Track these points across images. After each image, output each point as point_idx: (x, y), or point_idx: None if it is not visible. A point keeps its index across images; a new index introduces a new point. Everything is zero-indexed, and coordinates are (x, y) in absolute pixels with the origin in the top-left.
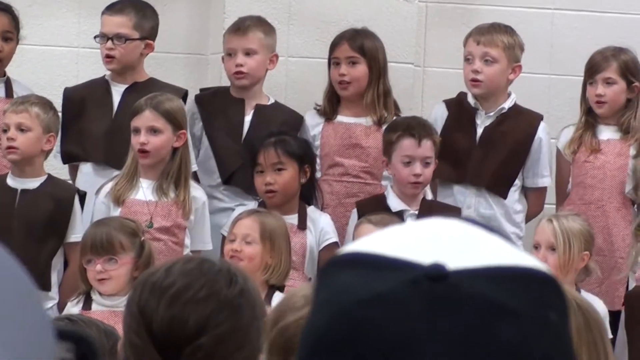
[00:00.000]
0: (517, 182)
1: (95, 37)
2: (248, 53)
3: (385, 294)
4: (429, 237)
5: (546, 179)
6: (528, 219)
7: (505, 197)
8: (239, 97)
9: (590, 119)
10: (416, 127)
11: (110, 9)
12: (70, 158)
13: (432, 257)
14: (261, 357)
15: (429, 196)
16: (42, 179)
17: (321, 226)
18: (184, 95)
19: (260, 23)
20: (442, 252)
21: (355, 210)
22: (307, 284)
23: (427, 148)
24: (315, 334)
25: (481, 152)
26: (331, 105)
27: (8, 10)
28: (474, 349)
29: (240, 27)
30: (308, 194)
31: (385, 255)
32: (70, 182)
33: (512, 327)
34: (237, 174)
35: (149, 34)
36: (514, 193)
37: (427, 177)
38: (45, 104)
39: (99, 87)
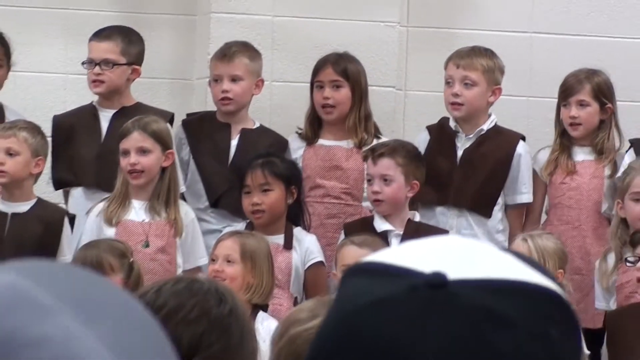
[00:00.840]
0: (500, 200)
1: (83, 63)
2: (234, 79)
3: (385, 299)
4: (437, 249)
5: (525, 196)
6: (511, 237)
7: (489, 217)
8: (225, 121)
9: (565, 140)
10: (377, 148)
11: (97, 35)
12: (62, 184)
13: (435, 267)
14: None
15: (417, 218)
16: (32, 202)
17: (306, 246)
18: (170, 119)
19: (246, 49)
20: (446, 263)
21: (342, 232)
22: (315, 299)
23: (383, 166)
24: (318, 338)
25: (462, 173)
26: (313, 128)
27: None
28: (464, 355)
29: (227, 53)
30: (295, 214)
31: (392, 264)
32: (60, 205)
33: (506, 337)
34: (225, 197)
35: (136, 60)
36: (497, 212)
37: (387, 194)
38: (33, 129)
39: (87, 113)
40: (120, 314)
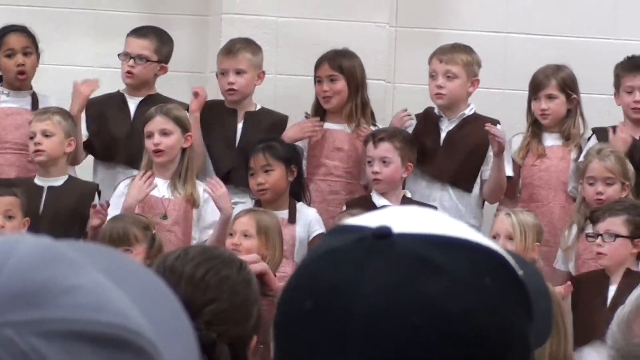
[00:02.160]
0: (478, 180)
1: (118, 55)
2: (238, 72)
3: (335, 248)
4: (393, 212)
5: (507, 169)
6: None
7: (470, 191)
8: (232, 107)
9: (535, 128)
10: (378, 133)
11: (135, 32)
12: (98, 157)
13: (383, 223)
14: (255, 340)
15: (409, 195)
16: (65, 177)
17: (309, 219)
18: (186, 109)
19: (249, 44)
20: (396, 220)
21: (344, 207)
22: None
23: (383, 149)
24: (286, 282)
25: (445, 152)
26: (318, 114)
27: (24, 30)
28: (394, 295)
29: (231, 49)
30: (297, 191)
31: (352, 224)
32: (87, 181)
33: (436, 281)
34: (233, 174)
35: (165, 58)
36: (477, 188)
37: (386, 174)
38: (65, 113)
39: (117, 99)
40: (141, 282)
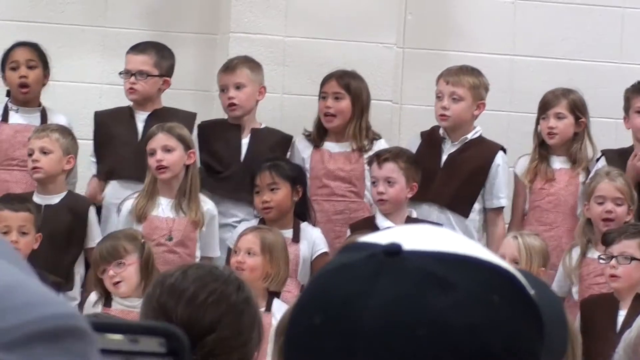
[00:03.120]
0: (478, 205)
1: (120, 73)
2: (238, 87)
3: (346, 264)
4: (403, 230)
5: (502, 200)
6: (494, 240)
7: (466, 216)
8: (236, 123)
9: (542, 150)
10: (382, 153)
11: (134, 49)
12: (108, 176)
13: (394, 240)
14: (256, 357)
15: (414, 215)
16: (63, 194)
17: (313, 239)
18: (194, 117)
19: (247, 60)
20: (406, 238)
21: (349, 231)
22: None
23: (387, 170)
24: (297, 298)
25: (444, 175)
26: (319, 133)
27: (30, 44)
28: (402, 309)
29: (229, 65)
30: (302, 211)
31: (363, 242)
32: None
33: (444, 296)
34: (237, 190)
35: (167, 72)
36: (475, 214)
37: (391, 195)
38: (64, 130)
39: (125, 113)
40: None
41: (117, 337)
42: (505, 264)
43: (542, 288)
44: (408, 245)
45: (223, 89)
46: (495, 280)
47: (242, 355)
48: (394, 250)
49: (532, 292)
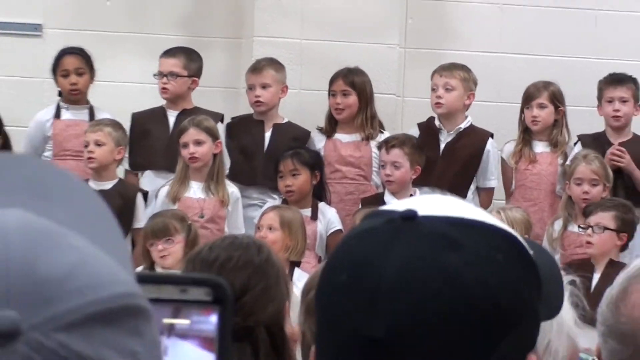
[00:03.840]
0: (472, 186)
1: (154, 75)
2: (264, 86)
3: (366, 229)
4: (418, 199)
5: (493, 181)
6: None
7: (465, 197)
8: (260, 119)
9: (526, 136)
10: (390, 140)
11: (166, 53)
12: (137, 167)
13: (410, 207)
14: (288, 306)
15: (417, 194)
16: (114, 181)
17: (329, 217)
18: (221, 118)
19: (272, 62)
20: (421, 205)
21: (360, 205)
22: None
23: (394, 155)
24: (325, 262)
25: (443, 162)
26: (330, 125)
27: (78, 52)
28: (418, 266)
29: (257, 66)
30: (319, 192)
31: (383, 209)
32: (135, 185)
33: (455, 255)
34: (260, 177)
35: (195, 73)
36: (470, 194)
37: (397, 177)
38: (116, 124)
39: (158, 112)
40: (70, 195)
41: (168, 287)
42: (508, 228)
43: (538, 250)
44: (423, 211)
45: (250, 88)
46: (499, 241)
47: (276, 307)
48: (410, 215)
49: (531, 252)
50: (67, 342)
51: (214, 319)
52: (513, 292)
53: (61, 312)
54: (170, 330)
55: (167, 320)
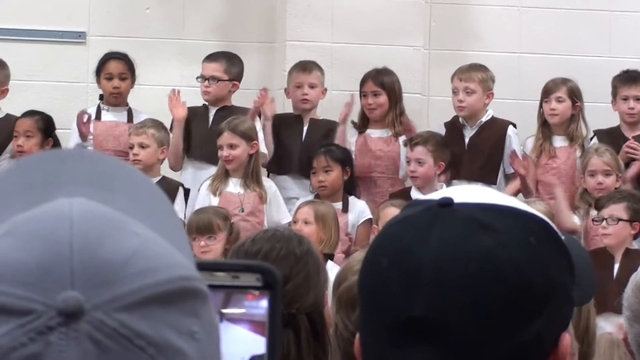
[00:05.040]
0: (499, 174)
1: (197, 78)
2: (312, 86)
3: (407, 216)
4: (453, 189)
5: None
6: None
7: (495, 183)
8: (298, 115)
9: (545, 130)
10: (414, 138)
11: (208, 58)
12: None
13: (446, 195)
14: (327, 294)
15: (444, 188)
16: (158, 178)
17: (359, 209)
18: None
19: (318, 65)
20: (456, 194)
21: (388, 198)
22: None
23: (418, 152)
24: (367, 251)
25: (469, 155)
26: (363, 122)
27: (122, 57)
28: (455, 247)
29: (307, 67)
30: (349, 187)
31: (422, 199)
32: (177, 181)
33: (488, 237)
34: (297, 168)
35: (236, 77)
36: (499, 180)
37: (421, 173)
38: (159, 125)
39: (200, 109)
40: (131, 185)
41: (221, 274)
42: (540, 214)
43: (569, 239)
44: (458, 199)
45: (298, 86)
46: (531, 225)
47: (315, 295)
48: (446, 203)
49: (562, 237)
50: (127, 321)
51: (264, 303)
52: (545, 273)
53: (122, 293)
54: (222, 315)
55: (223, 310)
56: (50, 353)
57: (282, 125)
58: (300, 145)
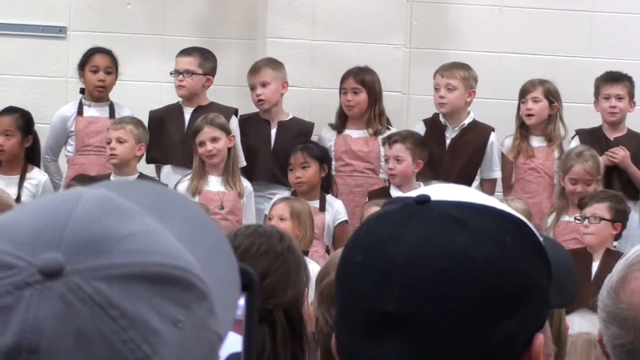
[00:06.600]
0: (477, 177)
1: (171, 73)
2: (263, 85)
3: (384, 212)
4: (431, 187)
5: (497, 172)
6: None
7: (471, 187)
8: (266, 118)
9: (523, 130)
10: (392, 136)
11: (182, 52)
12: (154, 161)
13: (424, 193)
14: (307, 293)
15: (421, 187)
16: (135, 176)
17: (336, 208)
18: (235, 112)
19: (270, 61)
20: (434, 192)
21: (367, 198)
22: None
23: (396, 150)
24: (344, 246)
25: (450, 157)
26: (341, 121)
27: (107, 52)
28: (429, 244)
29: (254, 68)
30: (327, 185)
31: (400, 196)
32: (156, 178)
33: (463, 234)
34: (269, 173)
35: (210, 72)
36: (473, 185)
37: (399, 170)
38: (137, 122)
39: (175, 109)
40: (185, 216)
41: None
42: (517, 214)
43: (550, 241)
44: (435, 197)
45: (252, 88)
46: (507, 224)
47: (294, 293)
48: (423, 200)
49: (540, 238)
50: (105, 291)
51: (241, 302)
52: (519, 272)
53: (107, 264)
54: None
55: None
56: (20, 307)
57: (249, 129)
58: (269, 150)
